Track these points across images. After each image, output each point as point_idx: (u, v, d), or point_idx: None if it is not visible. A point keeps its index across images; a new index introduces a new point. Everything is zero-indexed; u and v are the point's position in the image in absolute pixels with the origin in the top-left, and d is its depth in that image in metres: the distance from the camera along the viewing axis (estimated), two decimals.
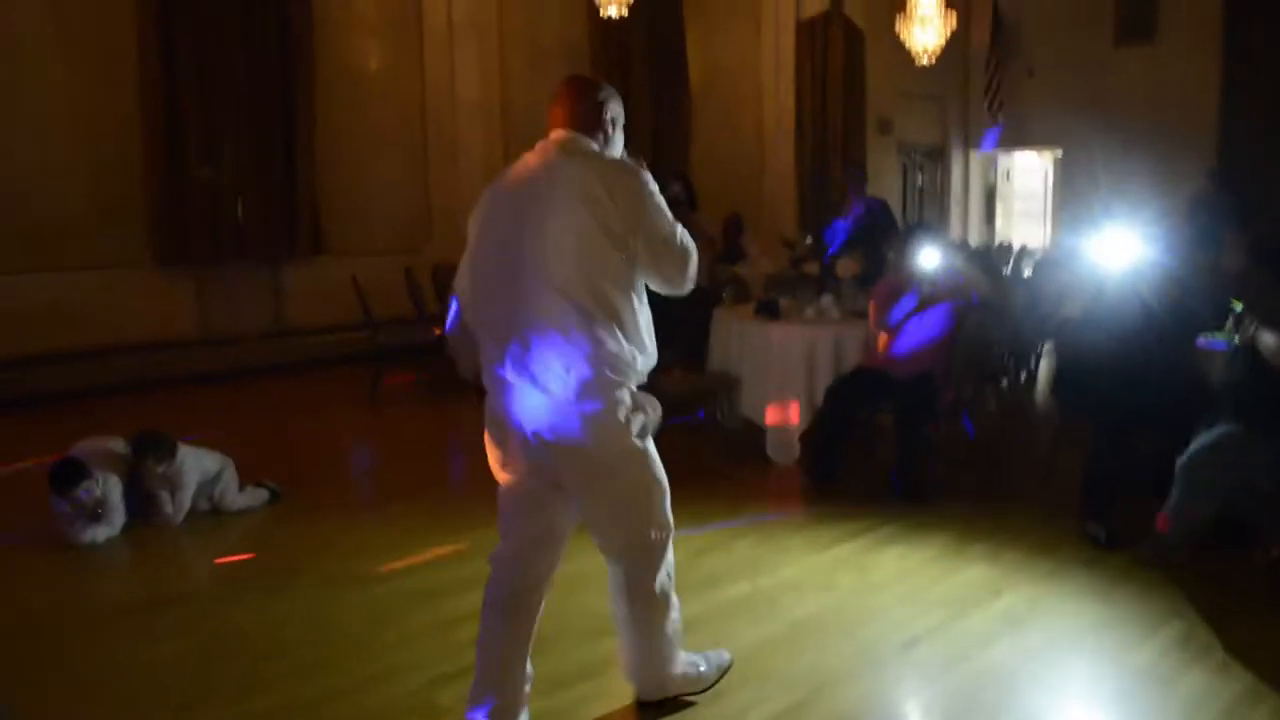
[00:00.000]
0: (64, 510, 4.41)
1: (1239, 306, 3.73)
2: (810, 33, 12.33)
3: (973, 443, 5.58)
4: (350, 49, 9.38)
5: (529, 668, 2.78)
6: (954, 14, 10.28)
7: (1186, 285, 4.28)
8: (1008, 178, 15.48)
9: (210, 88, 8.15)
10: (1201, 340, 4.24)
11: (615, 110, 2.74)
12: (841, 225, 7.22)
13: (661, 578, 2.81)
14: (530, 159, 2.68)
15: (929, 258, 4.98)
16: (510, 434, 2.64)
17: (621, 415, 2.58)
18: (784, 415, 5.38)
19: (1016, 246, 11.46)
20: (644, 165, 2.65)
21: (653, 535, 2.75)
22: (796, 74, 12.36)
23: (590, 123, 2.69)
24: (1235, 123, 11.87)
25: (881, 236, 6.47)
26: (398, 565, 4.12)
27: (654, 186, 2.60)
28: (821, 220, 9.20)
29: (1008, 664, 3.23)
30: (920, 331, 5.01)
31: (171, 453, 4.58)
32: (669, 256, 2.61)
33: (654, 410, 2.69)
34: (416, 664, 3.25)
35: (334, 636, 3.50)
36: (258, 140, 8.48)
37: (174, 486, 4.61)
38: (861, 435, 5.42)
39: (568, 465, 2.61)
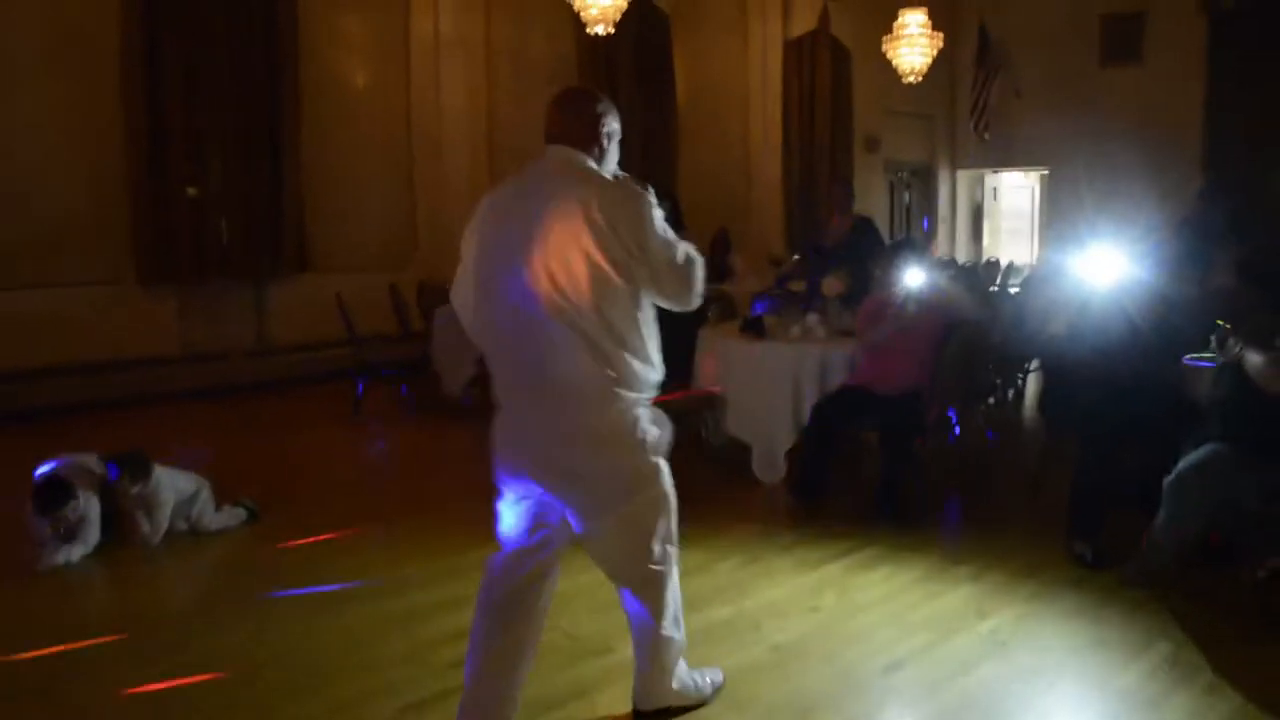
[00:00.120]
0: (43, 530, 4.33)
1: (1224, 325, 3.72)
2: (797, 51, 12.37)
3: (960, 460, 5.54)
4: (336, 65, 9.33)
5: (516, 697, 2.72)
6: (941, 34, 10.33)
7: (1172, 302, 4.27)
8: (995, 196, 15.54)
9: (194, 104, 8.10)
10: (1188, 358, 4.22)
11: (612, 124, 2.72)
12: (823, 249, 7.17)
13: (669, 594, 2.80)
14: (528, 175, 2.66)
15: (913, 275, 4.97)
16: (519, 449, 2.61)
17: (636, 432, 2.59)
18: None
19: (1004, 263, 11.48)
20: (648, 188, 2.62)
21: (661, 550, 2.73)
22: (784, 92, 12.40)
23: (587, 136, 2.67)
24: (1220, 143, 11.97)
25: (868, 254, 6.44)
26: (375, 586, 4.05)
27: (656, 211, 2.58)
28: (809, 237, 9.17)
29: (993, 687, 3.18)
30: (905, 348, 4.98)
31: (147, 473, 4.51)
32: (672, 278, 2.61)
33: (666, 427, 2.68)
34: (392, 688, 3.18)
35: (308, 660, 3.42)
36: (242, 157, 8.43)
37: (149, 507, 4.54)
38: (849, 452, 5.37)
39: (578, 482, 2.59)
